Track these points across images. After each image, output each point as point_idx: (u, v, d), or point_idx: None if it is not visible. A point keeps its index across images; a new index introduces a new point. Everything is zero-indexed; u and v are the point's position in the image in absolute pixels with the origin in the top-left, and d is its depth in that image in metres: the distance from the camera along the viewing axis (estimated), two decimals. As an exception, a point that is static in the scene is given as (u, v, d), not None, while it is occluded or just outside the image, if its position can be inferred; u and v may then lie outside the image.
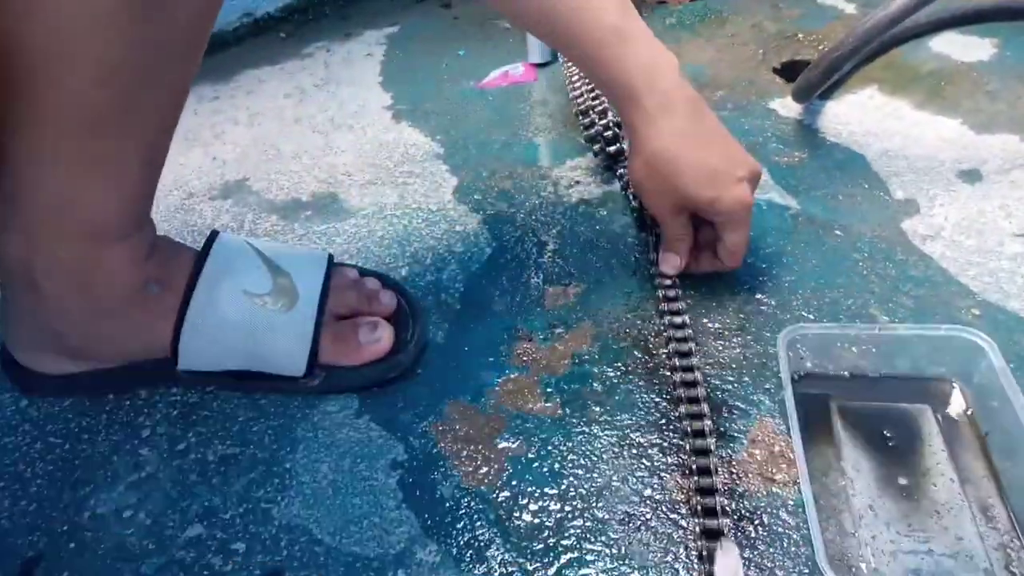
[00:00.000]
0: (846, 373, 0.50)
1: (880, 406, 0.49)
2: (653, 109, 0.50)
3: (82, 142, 0.40)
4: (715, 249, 0.55)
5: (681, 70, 0.52)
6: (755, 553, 0.42)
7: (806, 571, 0.41)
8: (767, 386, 0.51)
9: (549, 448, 0.48)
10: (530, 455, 0.48)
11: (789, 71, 0.82)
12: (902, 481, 0.45)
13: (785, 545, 0.42)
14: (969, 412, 0.48)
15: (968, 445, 0.47)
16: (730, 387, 0.51)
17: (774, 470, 0.46)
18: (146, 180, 0.46)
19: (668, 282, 0.56)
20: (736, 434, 0.48)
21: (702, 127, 0.52)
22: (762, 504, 0.44)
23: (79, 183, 0.42)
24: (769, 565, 0.41)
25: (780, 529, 0.43)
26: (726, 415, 0.49)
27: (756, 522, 0.43)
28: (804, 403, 0.47)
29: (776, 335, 0.52)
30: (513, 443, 0.48)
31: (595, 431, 0.49)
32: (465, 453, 0.48)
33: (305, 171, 0.74)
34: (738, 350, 0.53)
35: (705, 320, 0.55)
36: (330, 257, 0.54)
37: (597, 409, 0.50)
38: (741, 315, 0.55)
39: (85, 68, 0.38)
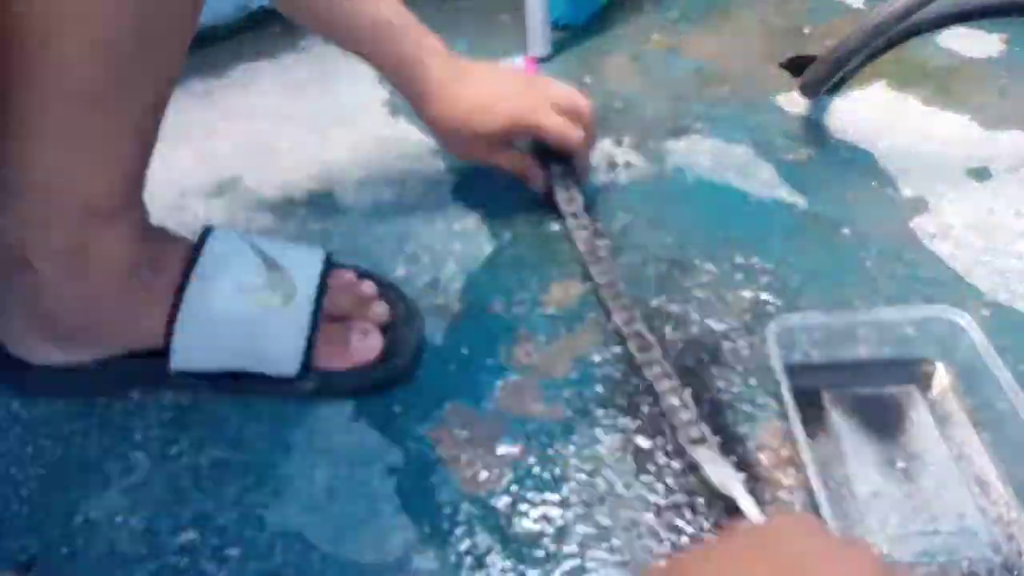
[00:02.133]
0: (833, 361, 0.51)
1: (869, 392, 0.50)
2: (430, 90, 0.58)
3: (72, 116, 0.41)
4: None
5: (448, 46, 0.60)
6: (762, 562, 0.41)
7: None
8: (773, 389, 0.50)
9: (550, 452, 0.47)
10: (531, 459, 0.47)
11: (795, 66, 0.81)
12: (900, 464, 0.46)
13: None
14: (954, 389, 0.49)
15: (957, 421, 0.48)
16: (736, 389, 0.50)
17: (781, 475, 0.46)
18: (136, 158, 0.46)
19: (571, 211, 0.61)
20: (742, 438, 0.47)
21: (468, 80, 0.59)
22: (771, 511, 0.44)
23: (69, 159, 0.43)
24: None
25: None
26: (731, 418, 0.48)
27: (763, 530, 0.43)
28: (796, 394, 0.47)
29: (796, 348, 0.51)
30: (514, 447, 0.48)
31: (598, 434, 0.48)
32: (464, 457, 0.47)
33: (300, 168, 0.73)
34: (746, 352, 0.52)
35: (710, 320, 0.55)
36: (328, 255, 0.53)
37: (600, 412, 0.49)
38: (748, 316, 0.55)
39: (75, 43, 0.38)
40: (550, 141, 0.60)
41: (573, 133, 0.60)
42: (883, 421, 0.48)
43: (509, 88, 0.60)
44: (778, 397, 0.49)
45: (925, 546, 0.42)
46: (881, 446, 0.47)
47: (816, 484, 0.42)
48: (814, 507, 0.42)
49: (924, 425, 0.47)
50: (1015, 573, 0.40)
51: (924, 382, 0.50)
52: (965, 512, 0.43)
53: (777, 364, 0.47)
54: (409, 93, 0.59)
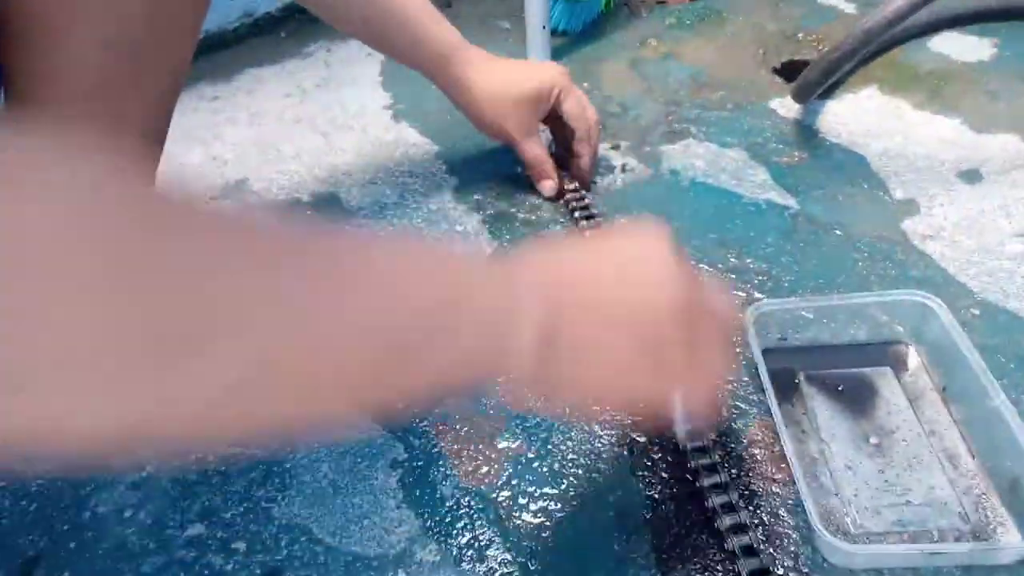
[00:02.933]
0: (810, 344, 0.53)
1: (844, 372, 0.51)
2: (468, 63, 0.62)
3: (84, 104, 0.42)
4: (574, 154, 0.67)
5: None
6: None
7: (805, 571, 0.41)
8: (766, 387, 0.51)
9: (549, 447, 0.48)
10: (530, 455, 0.48)
11: (789, 71, 0.82)
12: (874, 440, 0.48)
13: (785, 544, 0.42)
14: (926, 368, 0.51)
15: (929, 400, 0.50)
16: (729, 386, 0.51)
17: (773, 470, 0.46)
18: (147, 150, 0.47)
19: (583, 203, 0.65)
20: (735, 433, 0.48)
21: (501, 61, 0.64)
22: (762, 504, 0.44)
23: None
24: (767, 564, 0.42)
25: (780, 529, 0.43)
26: (724, 415, 0.49)
27: (755, 522, 0.44)
28: (774, 376, 0.49)
29: (772, 332, 0.52)
30: (513, 443, 0.49)
31: (595, 430, 0.49)
32: (465, 453, 0.48)
33: (305, 171, 0.74)
34: (737, 350, 0.53)
35: (705, 320, 0.56)
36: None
37: (597, 408, 0.50)
38: (740, 314, 0.56)
39: (87, 37, 0.39)
40: (572, 111, 0.64)
41: (587, 119, 0.65)
42: (857, 400, 0.50)
43: (541, 64, 0.68)
44: (751, 370, 0.50)
45: (897, 516, 0.43)
46: (855, 423, 0.49)
47: (791, 454, 0.44)
48: (792, 479, 0.43)
49: (897, 403, 0.49)
50: (982, 540, 0.42)
51: (897, 363, 0.52)
52: (935, 484, 0.45)
53: (754, 346, 0.49)
54: (450, 72, 0.62)
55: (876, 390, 0.50)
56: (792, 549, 0.42)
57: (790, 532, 0.43)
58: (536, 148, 0.65)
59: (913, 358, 0.52)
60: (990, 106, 0.75)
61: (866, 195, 0.66)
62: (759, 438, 0.48)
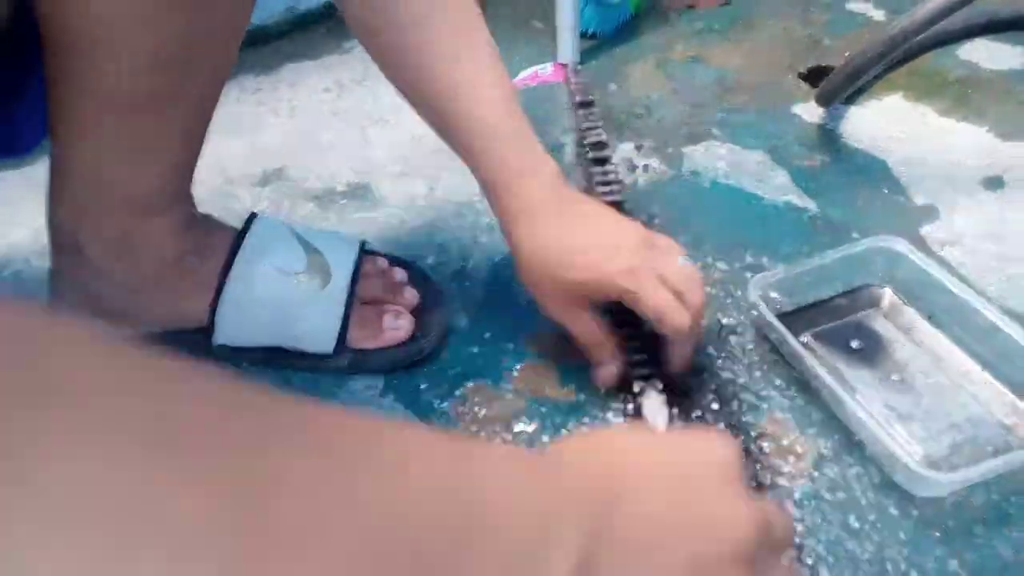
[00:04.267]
0: (799, 305, 0.56)
1: (840, 324, 0.55)
2: (519, 211, 0.47)
3: (123, 119, 0.43)
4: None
5: (559, 174, 0.49)
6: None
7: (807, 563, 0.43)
8: (777, 382, 0.52)
9: (564, 432, 0.50)
10: (545, 438, 0.50)
11: (815, 76, 0.83)
12: (895, 377, 0.51)
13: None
14: (908, 303, 0.55)
15: (922, 329, 0.54)
16: (741, 380, 0.52)
17: (781, 463, 0.48)
18: (184, 158, 0.49)
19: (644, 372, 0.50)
20: (746, 426, 0.50)
21: (570, 215, 0.48)
22: (768, 496, 0.46)
23: (119, 158, 0.45)
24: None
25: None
26: (736, 408, 0.51)
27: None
28: (781, 343, 0.52)
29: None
30: (530, 426, 0.50)
31: (609, 417, 0.51)
32: (484, 434, 0.50)
33: (341, 162, 0.77)
34: (751, 346, 0.55)
35: (719, 315, 0.57)
36: (362, 243, 0.56)
37: (610, 396, 0.52)
38: (755, 312, 0.57)
39: (128, 54, 0.40)
40: (645, 316, 0.47)
41: (678, 317, 0.46)
42: (862, 346, 0.53)
43: (613, 238, 0.47)
44: (779, 383, 0.52)
45: (951, 439, 0.47)
46: (872, 367, 0.52)
47: (852, 405, 0.46)
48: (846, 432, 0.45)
49: (899, 340, 0.53)
50: None
51: (879, 304, 0.56)
52: (965, 402, 0.49)
53: (769, 315, 0.52)
54: (499, 206, 0.49)
55: (874, 332, 0.54)
56: (796, 542, 0.44)
57: (794, 526, 0.45)
58: (584, 327, 0.49)
59: (891, 297, 0.55)
60: (1019, 114, 0.75)
61: (886, 200, 0.67)
62: (768, 431, 0.49)
